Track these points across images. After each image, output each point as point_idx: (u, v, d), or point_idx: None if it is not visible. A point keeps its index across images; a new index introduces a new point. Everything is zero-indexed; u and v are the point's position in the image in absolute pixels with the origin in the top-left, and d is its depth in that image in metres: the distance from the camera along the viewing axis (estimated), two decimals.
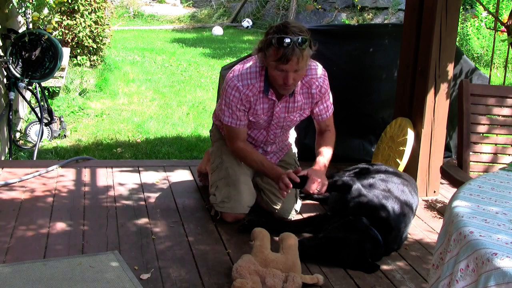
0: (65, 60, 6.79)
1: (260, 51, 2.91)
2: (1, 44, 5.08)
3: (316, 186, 2.99)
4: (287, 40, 2.75)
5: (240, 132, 3.13)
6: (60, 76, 6.58)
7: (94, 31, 8.12)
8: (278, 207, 3.28)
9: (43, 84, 5.81)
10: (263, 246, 2.69)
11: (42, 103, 5.50)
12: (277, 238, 3.10)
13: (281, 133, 3.27)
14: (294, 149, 3.50)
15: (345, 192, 3.09)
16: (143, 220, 3.25)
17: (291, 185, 2.99)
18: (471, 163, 3.18)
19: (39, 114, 5.37)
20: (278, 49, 2.78)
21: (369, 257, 2.79)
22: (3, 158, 5.02)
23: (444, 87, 3.66)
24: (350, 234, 2.80)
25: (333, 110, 3.23)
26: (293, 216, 3.32)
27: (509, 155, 3.27)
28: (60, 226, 3.13)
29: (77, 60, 8.14)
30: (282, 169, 3.16)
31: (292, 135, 3.51)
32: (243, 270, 2.57)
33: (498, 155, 3.28)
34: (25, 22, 5.80)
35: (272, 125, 3.16)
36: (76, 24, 7.94)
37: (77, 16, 7.94)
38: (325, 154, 3.14)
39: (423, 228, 3.35)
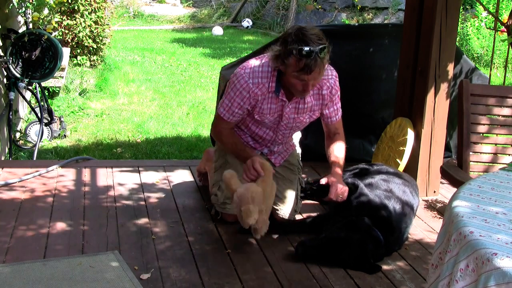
0: (65, 60, 6.79)
1: (278, 58, 2.86)
2: (1, 44, 5.09)
3: (340, 192, 2.98)
4: (309, 51, 2.71)
5: (228, 124, 3.13)
6: (60, 76, 6.58)
7: (94, 31, 8.12)
8: (278, 207, 3.27)
9: (43, 84, 5.81)
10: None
11: (42, 103, 5.50)
12: (275, 236, 3.11)
13: (290, 134, 3.26)
14: (298, 150, 3.50)
15: (352, 192, 3.09)
16: (143, 220, 3.25)
17: (261, 174, 2.98)
18: (471, 163, 3.18)
19: (39, 114, 5.37)
20: (300, 60, 2.74)
21: (371, 258, 2.78)
22: (3, 158, 5.02)
23: (444, 87, 3.66)
24: (352, 234, 2.80)
25: (341, 114, 3.22)
26: (294, 216, 3.32)
27: (509, 155, 3.27)
28: (60, 226, 3.13)
29: (77, 60, 8.14)
30: (262, 158, 3.15)
31: (297, 135, 3.50)
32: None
33: (498, 155, 3.28)
34: (25, 22, 5.80)
35: (282, 125, 3.14)
36: (76, 24, 7.94)
37: (77, 16, 7.94)
38: (340, 158, 3.13)
39: (423, 228, 3.35)
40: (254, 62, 3.03)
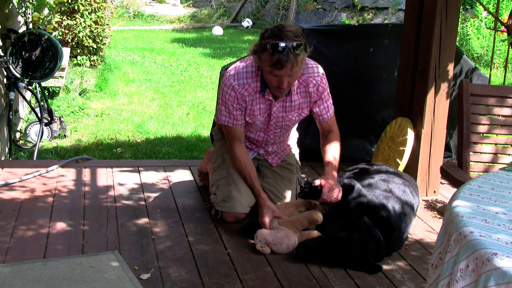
0: (65, 60, 6.79)
1: (255, 53, 2.90)
2: (1, 44, 5.08)
3: (333, 194, 2.98)
4: (282, 46, 2.74)
5: (237, 132, 3.11)
6: (60, 76, 6.58)
7: (94, 31, 8.12)
8: None
9: (43, 84, 5.81)
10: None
11: (42, 103, 5.50)
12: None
13: (281, 133, 3.26)
14: (296, 150, 3.50)
15: (348, 193, 3.09)
16: (143, 220, 3.25)
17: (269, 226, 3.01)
18: (471, 163, 3.18)
19: (39, 114, 5.37)
20: (273, 55, 2.77)
21: (371, 258, 2.78)
22: (3, 158, 5.02)
23: (444, 87, 3.66)
24: (352, 233, 2.80)
25: (333, 110, 3.22)
26: None
27: (509, 155, 3.27)
28: (60, 226, 3.13)
29: (77, 60, 8.14)
30: (269, 199, 3.12)
31: (294, 135, 3.51)
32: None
33: (498, 155, 3.28)
34: (25, 22, 5.80)
35: (271, 125, 3.15)
36: (76, 24, 7.94)
37: (77, 16, 7.94)
38: (334, 158, 3.13)
39: (423, 228, 3.35)
40: (238, 64, 3.06)
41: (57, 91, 6.82)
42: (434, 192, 3.82)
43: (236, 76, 3.01)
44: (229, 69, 3.09)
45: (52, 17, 6.18)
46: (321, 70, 3.10)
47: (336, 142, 3.19)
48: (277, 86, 2.89)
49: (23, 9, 5.39)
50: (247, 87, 3.00)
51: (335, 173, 3.08)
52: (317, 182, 3.01)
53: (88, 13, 8.00)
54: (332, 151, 3.15)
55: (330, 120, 3.21)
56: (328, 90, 3.15)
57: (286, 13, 14.00)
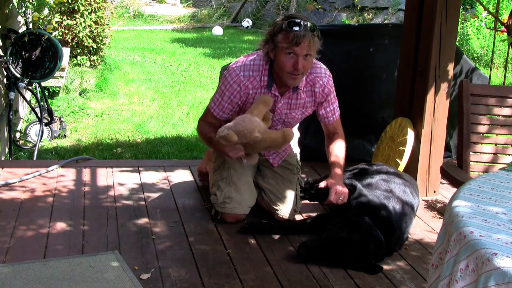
0: (65, 60, 6.78)
1: (267, 42, 2.90)
2: (1, 44, 5.08)
3: (340, 196, 2.98)
4: (298, 23, 2.78)
5: (216, 120, 3.13)
6: (60, 76, 6.58)
7: (94, 31, 8.12)
8: (278, 207, 3.27)
9: (43, 84, 5.81)
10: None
11: (42, 103, 5.50)
12: (276, 237, 3.11)
13: (282, 128, 3.25)
14: (297, 150, 3.49)
15: (350, 193, 3.09)
16: (143, 220, 3.25)
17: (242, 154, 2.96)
18: (471, 163, 3.18)
19: (39, 114, 5.37)
20: (289, 32, 2.79)
21: (372, 258, 2.78)
22: (3, 158, 5.02)
23: (444, 87, 3.66)
24: (353, 234, 2.80)
25: (339, 113, 3.23)
26: (293, 216, 3.32)
27: (509, 155, 3.27)
28: (60, 226, 3.13)
29: (77, 60, 8.14)
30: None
31: (295, 136, 3.50)
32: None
33: (498, 155, 3.28)
34: (25, 22, 5.80)
35: (274, 120, 3.14)
36: (76, 24, 7.94)
37: (77, 16, 7.94)
38: (339, 160, 3.13)
39: (423, 228, 3.35)
40: (246, 57, 3.05)
41: (57, 91, 6.82)
42: (434, 192, 3.82)
43: (242, 68, 3.00)
44: (235, 60, 3.08)
45: (52, 17, 6.18)
46: (328, 72, 3.12)
47: (341, 143, 3.19)
48: (293, 69, 2.86)
49: (23, 9, 5.39)
50: (252, 80, 2.99)
51: (341, 174, 3.08)
52: (323, 184, 3.01)
53: (88, 13, 8.00)
54: (337, 152, 3.15)
55: (335, 123, 3.22)
56: (334, 92, 3.15)
57: (286, 13, 13.98)
